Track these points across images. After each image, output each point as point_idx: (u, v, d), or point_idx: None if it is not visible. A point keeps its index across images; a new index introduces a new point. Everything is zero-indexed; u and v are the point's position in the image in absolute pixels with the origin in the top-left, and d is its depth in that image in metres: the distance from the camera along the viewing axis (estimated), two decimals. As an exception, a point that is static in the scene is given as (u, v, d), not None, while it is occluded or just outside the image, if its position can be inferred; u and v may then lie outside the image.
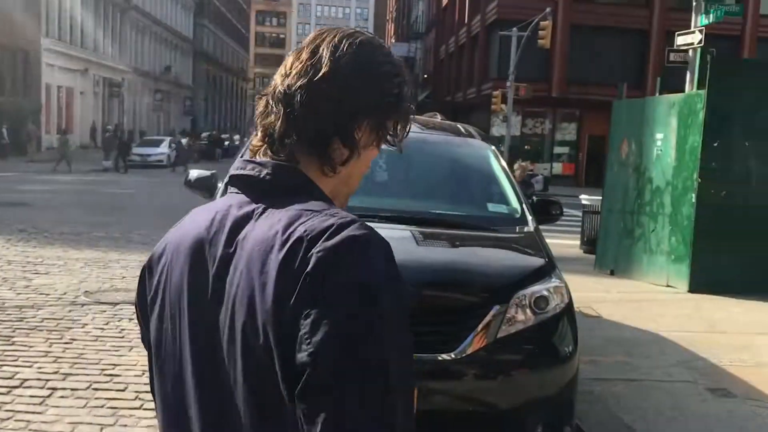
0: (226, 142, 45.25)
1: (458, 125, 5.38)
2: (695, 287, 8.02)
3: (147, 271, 1.17)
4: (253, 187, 1.09)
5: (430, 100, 51.74)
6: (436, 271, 3.48)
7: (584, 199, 12.37)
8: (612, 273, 9.80)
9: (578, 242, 12.02)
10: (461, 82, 42.17)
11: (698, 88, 8.44)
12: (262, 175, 1.09)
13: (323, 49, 1.09)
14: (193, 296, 1.08)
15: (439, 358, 3.24)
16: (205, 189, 4.68)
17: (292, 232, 1.00)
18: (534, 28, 26.52)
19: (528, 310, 3.42)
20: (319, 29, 1.16)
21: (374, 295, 0.96)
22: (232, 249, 1.05)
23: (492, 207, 4.42)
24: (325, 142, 1.08)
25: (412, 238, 3.82)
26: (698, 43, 12.58)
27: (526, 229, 4.15)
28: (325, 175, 1.10)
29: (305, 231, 0.99)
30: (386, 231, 3.93)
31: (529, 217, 4.25)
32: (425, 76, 57.00)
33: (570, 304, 3.63)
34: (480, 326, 3.29)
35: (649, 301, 7.84)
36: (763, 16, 32.31)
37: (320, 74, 1.07)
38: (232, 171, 1.13)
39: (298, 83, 1.07)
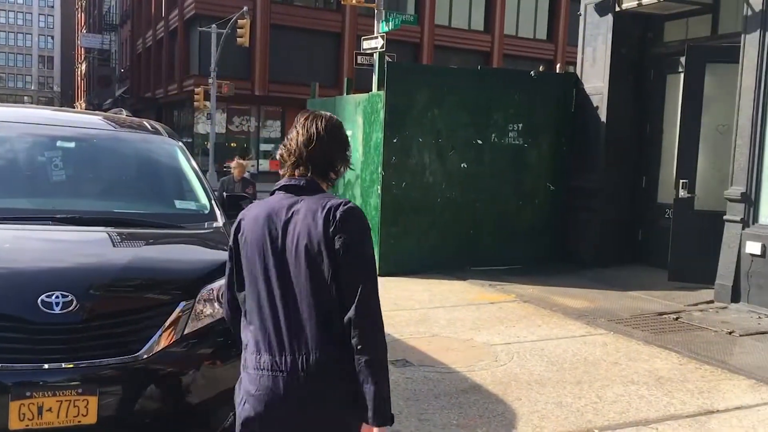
0: None
1: (144, 121, 5.23)
2: (385, 271, 8.79)
3: (237, 229, 2.36)
4: (296, 189, 2.30)
5: (129, 96, 49.07)
6: (118, 272, 3.36)
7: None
8: (313, 263, 10.31)
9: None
10: (162, 78, 40.62)
11: (379, 89, 9.23)
12: (301, 184, 2.30)
13: (321, 126, 2.32)
14: (270, 238, 2.26)
15: (124, 361, 3.16)
16: None
17: (325, 204, 2.22)
18: (233, 26, 26.57)
19: (216, 304, 3.48)
20: (307, 113, 2.39)
21: (365, 227, 2.26)
22: (290, 216, 2.25)
23: (180, 204, 4.39)
24: (327, 174, 2.35)
25: (92, 239, 3.66)
26: (380, 48, 13.71)
27: (215, 224, 4.20)
28: (325, 189, 2.34)
29: (331, 204, 2.22)
30: (63, 234, 3.69)
31: (218, 213, 4.31)
32: (122, 70, 53.79)
33: (258, 293, 3.79)
34: (166, 324, 3.27)
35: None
36: (438, 26, 36.28)
37: (323, 140, 2.31)
38: (283, 183, 2.33)
39: (309, 147, 2.29)
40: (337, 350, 2.24)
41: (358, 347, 2.19)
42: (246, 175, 11.13)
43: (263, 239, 2.29)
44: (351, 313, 2.20)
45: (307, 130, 2.32)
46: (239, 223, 2.38)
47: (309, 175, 2.31)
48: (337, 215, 2.22)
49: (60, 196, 4.20)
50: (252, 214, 2.35)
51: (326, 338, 2.24)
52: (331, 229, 2.21)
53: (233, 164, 11.16)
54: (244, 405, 2.30)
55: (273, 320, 2.27)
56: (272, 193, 2.38)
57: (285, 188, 2.34)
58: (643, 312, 7.33)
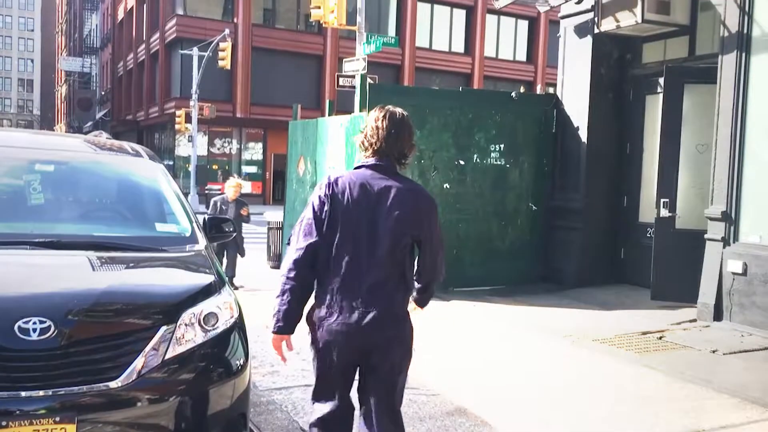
0: None
1: (125, 144, 5.17)
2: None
3: (330, 187, 3.01)
4: (381, 168, 3.04)
5: (109, 118, 48.88)
6: (97, 297, 3.29)
7: (267, 215, 12.75)
8: (296, 285, 10.21)
9: (266, 258, 12.33)
10: (143, 101, 40.52)
11: (361, 110, 9.24)
12: (385, 165, 3.06)
13: (390, 119, 3.07)
14: (366, 202, 2.97)
15: (104, 387, 3.09)
16: None
17: (413, 188, 3.07)
18: (215, 49, 26.61)
19: (197, 328, 3.42)
20: (382, 110, 3.10)
21: (437, 211, 3.14)
22: (382, 187, 2.99)
23: (161, 227, 4.33)
24: (400, 160, 3.11)
25: (71, 264, 3.59)
26: (362, 70, 13.76)
27: (196, 247, 4.13)
28: (400, 170, 3.12)
29: (419, 190, 3.09)
30: (41, 258, 3.61)
31: (200, 236, 4.25)
32: (102, 93, 53.59)
33: (240, 317, 3.72)
34: (146, 349, 3.21)
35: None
36: (419, 48, 36.59)
37: (394, 131, 3.06)
38: (368, 162, 3.07)
39: (384, 135, 3.05)
40: (407, 294, 3.11)
41: (427, 280, 3.21)
42: (240, 197, 10.29)
43: (360, 202, 2.99)
44: (428, 266, 3.15)
45: (385, 127, 3.06)
46: (331, 182, 3.03)
47: (388, 159, 3.07)
48: (423, 200, 3.07)
49: (38, 219, 4.13)
50: (344, 179, 3.04)
51: (401, 284, 3.05)
52: (422, 213, 3.05)
53: (230, 183, 10.26)
54: (323, 330, 3.04)
55: (362, 264, 2.98)
56: (357, 167, 3.10)
57: (373, 167, 3.06)
58: (626, 331, 7.33)
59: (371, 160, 3.06)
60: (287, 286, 3.01)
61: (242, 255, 10.19)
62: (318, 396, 3.24)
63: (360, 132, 3.14)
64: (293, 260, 3.01)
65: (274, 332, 3.07)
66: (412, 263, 3.12)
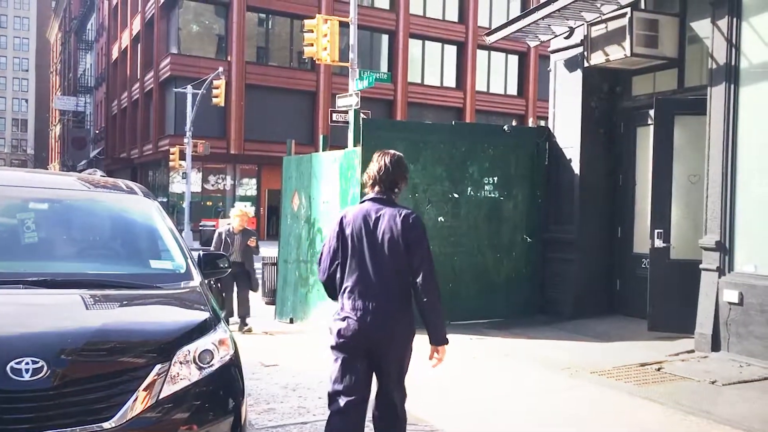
0: None
1: (119, 181, 5.17)
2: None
3: (341, 222, 3.93)
4: (378, 200, 3.91)
5: (104, 156, 48.98)
6: (90, 336, 3.25)
7: (262, 251, 12.69)
8: (291, 321, 10.16)
9: (261, 294, 12.25)
10: (137, 139, 40.68)
11: (354, 145, 9.28)
12: (382, 197, 3.92)
13: (388, 160, 3.94)
14: (366, 230, 3.84)
15: (97, 428, 3.03)
16: None
17: (401, 212, 3.84)
18: (209, 86, 26.81)
19: (192, 366, 3.38)
20: (380, 152, 4.04)
21: (424, 229, 3.89)
22: (378, 216, 3.84)
23: (155, 264, 4.30)
24: (393, 190, 3.96)
25: (64, 302, 3.56)
26: (355, 105, 13.86)
27: (191, 284, 4.10)
28: (395, 199, 3.99)
29: (405, 212, 3.85)
30: (34, 298, 3.57)
31: (195, 272, 4.23)
32: (97, 131, 53.79)
33: (236, 354, 3.69)
34: (140, 388, 3.16)
35: (324, 346, 8.26)
36: (411, 83, 36.96)
37: (389, 169, 3.93)
38: (371, 196, 3.94)
39: (382, 173, 3.92)
40: (405, 300, 3.82)
41: (423, 297, 3.77)
42: (247, 227, 10.05)
43: (362, 229, 3.83)
44: (419, 279, 3.76)
45: (378, 163, 3.92)
46: (342, 217, 3.92)
47: (384, 191, 3.89)
48: (410, 220, 3.80)
49: (32, 258, 4.10)
50: (352, 213, 3.91)
51: (399, 293, 3.80)
52: (406, 229, 3.77)
53: (234, 212, 9.99)
54: (340, 327, 3.80)
55: (367, 278, 3.79)
56: (362, 202, 3.95)
57: (372, 200, 3.90)
58: (625, 363, 7.27)
59: (371, 194, 3.91)
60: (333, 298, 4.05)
61: (254, 290, 10.06)
62: (336, 383, 3.89)
63: (365, 173, 4.04)
64: (324, 284, 4.03)
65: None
66: (409, 275, 3.84)
